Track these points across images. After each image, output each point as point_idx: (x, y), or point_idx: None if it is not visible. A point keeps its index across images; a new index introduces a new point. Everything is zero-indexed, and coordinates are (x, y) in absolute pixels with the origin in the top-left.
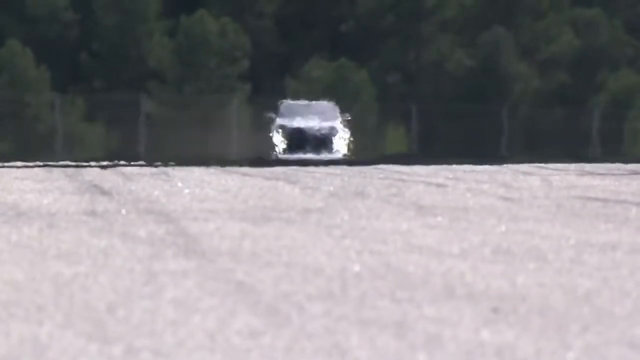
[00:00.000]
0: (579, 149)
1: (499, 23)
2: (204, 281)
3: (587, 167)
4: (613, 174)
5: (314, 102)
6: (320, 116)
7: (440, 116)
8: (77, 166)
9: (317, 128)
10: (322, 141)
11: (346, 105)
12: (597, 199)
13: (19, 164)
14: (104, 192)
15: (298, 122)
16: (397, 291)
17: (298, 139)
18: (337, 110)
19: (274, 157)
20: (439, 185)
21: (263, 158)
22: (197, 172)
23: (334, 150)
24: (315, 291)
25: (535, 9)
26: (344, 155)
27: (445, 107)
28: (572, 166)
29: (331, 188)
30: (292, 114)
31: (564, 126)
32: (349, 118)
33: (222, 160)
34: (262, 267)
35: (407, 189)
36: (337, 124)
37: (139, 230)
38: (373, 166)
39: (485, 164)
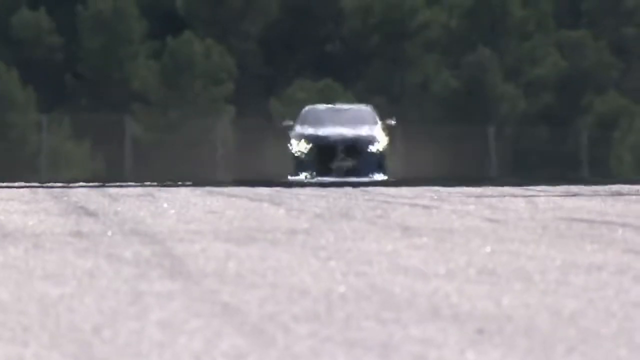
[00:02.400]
0: (564, 170)
1: (484, 44)
2: (189, 302)
3: (573, 188)
4: (599, 195)
5: (345, 105)
6: (354, 123)
7: (425, 137)
8: (63, 187)
9: (350, 137)
10: (359, 156)
11: None
12: (583, 220)
13: (3, 184)
14: (90, 213)
15: (325, 131)
16: (382, 312)
17: (326, 154)
18: (375, 115)
19: (292, 180)
20: (424, 207)
21: (273, 181)
22: (182, 193)
23: (376, 172)
24: (300, 312)
25: (520, 30)
26: (385, 177)
27: (431, 128)
28: (558, 187)
29: (316, 209)
30: (318, 121)
31: (550, 148)
32: (394, 122)
33: (208, 182)
34: (248, 288)
35: (393, 211)
36: (377, 131)
37: (125, 251)
38: (359, 188)
39: (471, 185)
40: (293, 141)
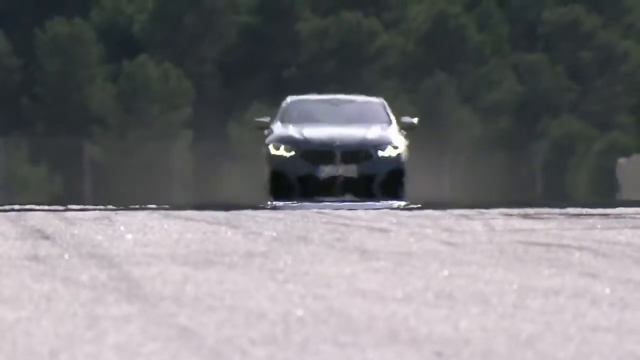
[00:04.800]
0: (521, 193)
1: (442, 68)
2: (146, 326)
3: (530, 211)
4: (555, 219)
5: (346, 96)
6: (359, 122)
7: None
8: (20, 210)
9: (354, 140)
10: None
11: None
12: (540, 244)
13: None
14: (47, 237)
15: (317, 132)
16: (340, 336)
17: (317, 164)
18: (388, 111)
19: (269, 206)
20: (382, 230)
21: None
22: (140, 216)
23: (391, 193)
24: (258, 336)
25: (477, 54)
26: (404, 202)
27: None
28: (515, 210)
29: (274, 233)
30: (307, 118)
31: (507, 171)
32: (416, 121)
33: (165, 205)
34: (205, 312)
35: (350, 234)
36: (392, 132)
37: (82, 275)
38: (315, 210)
39: (429, 208)
40: (270, 147)
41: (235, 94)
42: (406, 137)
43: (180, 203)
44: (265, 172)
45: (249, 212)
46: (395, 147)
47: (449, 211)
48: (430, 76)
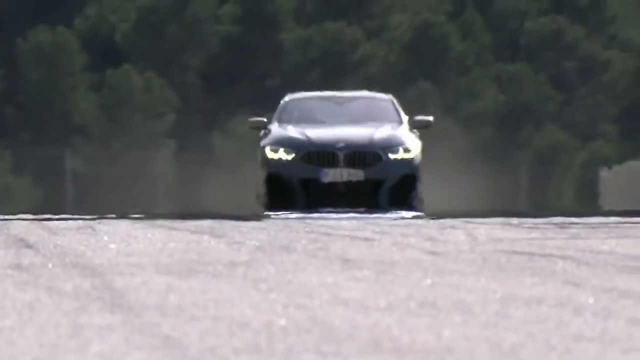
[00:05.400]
0: (504, 203)
1: (425, 78)
2: (130, 335)
3: (513, 220)
4: (538, 228)
5: (350, 93)
6: (365, 121)
7: None
8: (3, 219)
9: (360, 141)
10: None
11: None
12: (523, 253)
13: None
14: (30, 246)
15: (319, 133)
16: (323, 345)
17: (319, 167)
18: (399, 109)
19: (264, 213)
20: (365, 239)
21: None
22: (123, 226)
23: (402, 202)
24: (241, 345)
25: (460, 63)
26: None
27: None
28: (498, 220)
29: (257, 242)
30: (307, 117)
31: (490, 181)
32: (431, 119)
33: (149, 215)
34: (188, 321)
35: (333, 243)
36: (403, 132)
37: (65, 284)
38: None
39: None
40: (267, 149)
41: (219, 103)
42: (420, 137)
43: (164, 212)
44: (259, 178)
45: (234, 222)
46: (408, 149)
47: (431, 220)
48: (414, 85)
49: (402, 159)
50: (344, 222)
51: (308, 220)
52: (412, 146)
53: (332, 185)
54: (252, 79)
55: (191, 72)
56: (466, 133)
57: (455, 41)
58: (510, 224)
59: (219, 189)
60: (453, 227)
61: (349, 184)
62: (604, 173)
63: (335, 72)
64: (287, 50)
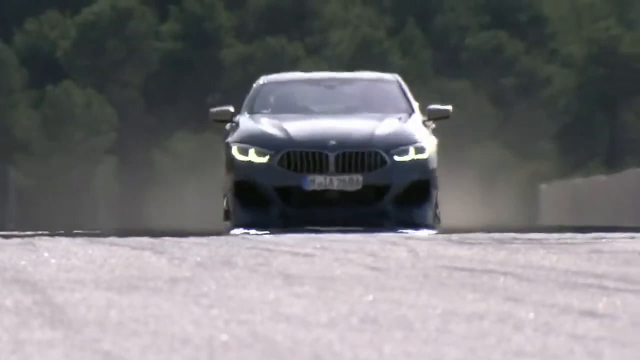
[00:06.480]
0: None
1: None
2: (70, 351)
3: (454, 237)
4: (480, 244)
5: (345, 74)
6: (364, 110)
7: None
8: None
9: (358, 136)
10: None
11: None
12: (463, 269)
13: None
14: None
15: (305, 126)
16: None
17: (304, 172)
18: (408, 95)
19: (230, 232)
20: (306, 255)
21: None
22: (63, 242)
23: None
24: None
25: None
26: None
27: None
28: (440, 236)
29: (198, 258)
30: (287, 106)
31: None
32: (450, 109)
33: (89, 231)
34: (129, 337)
35: (274, 259)
36: (414, 126)
37: (5, 300)
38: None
39: (354, 232)
40: (233, 149)
41: (159, 120)
42: (434, 132)
43: (103, 228)
44: (225, 185)
45: (175, 238)
46: (421, 149)
47: (373, 235)
48: None
49: (413, 161)
50: (284, 238)
51: (248, 237)
52: (425, 144)
53: (319, 195)
54: (193, 95)
55: (132, 89)
56: None
57: (396, 57)
58: (450, 240)
59: (160, 205)
60: (394, 244)
61: (341, 195)
62: (543, 188)
63: None
64: (228, 67)
